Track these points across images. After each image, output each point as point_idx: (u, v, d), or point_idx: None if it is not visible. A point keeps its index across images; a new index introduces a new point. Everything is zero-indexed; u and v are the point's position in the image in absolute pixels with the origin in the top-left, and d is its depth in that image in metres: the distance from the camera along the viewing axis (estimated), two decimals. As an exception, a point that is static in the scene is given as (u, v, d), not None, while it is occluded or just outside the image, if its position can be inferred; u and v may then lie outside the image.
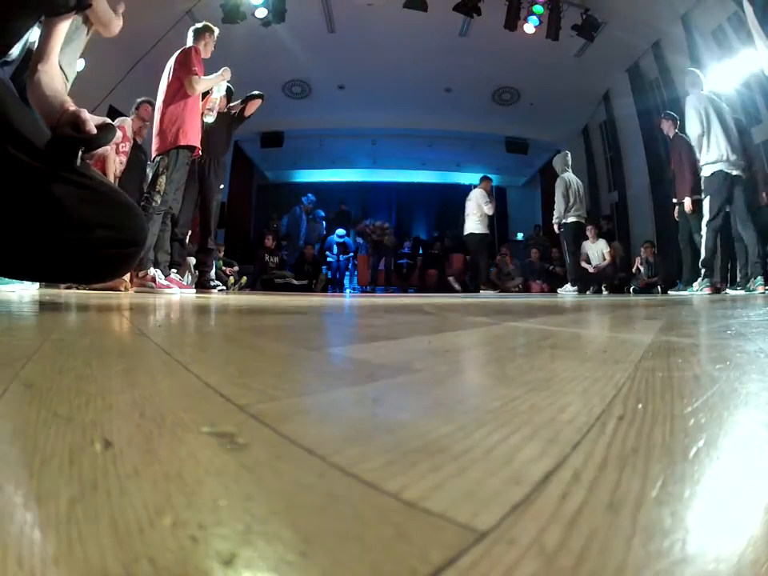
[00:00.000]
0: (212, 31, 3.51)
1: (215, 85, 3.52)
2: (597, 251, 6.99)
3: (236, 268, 6.80)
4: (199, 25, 3.54)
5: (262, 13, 6.48)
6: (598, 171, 9.00)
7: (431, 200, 10.89)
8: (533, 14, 6.82)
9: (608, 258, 6.94)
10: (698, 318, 1.57)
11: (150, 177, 3.37)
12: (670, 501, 0.19)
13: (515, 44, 7.08)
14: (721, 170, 4.16)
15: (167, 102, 3.27)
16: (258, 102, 4.30)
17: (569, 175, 5.86)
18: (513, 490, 0.20)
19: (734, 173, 4.13)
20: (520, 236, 9.89)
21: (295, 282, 7.69)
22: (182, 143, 3.20)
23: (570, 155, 6.02)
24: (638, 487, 0.20)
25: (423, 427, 0.29)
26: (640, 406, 0.34)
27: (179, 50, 3.34)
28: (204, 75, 3.31)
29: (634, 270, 6.96)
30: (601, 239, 7.06)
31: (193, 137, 3.28)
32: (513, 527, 0.17)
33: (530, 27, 6.89)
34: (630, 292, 6.52)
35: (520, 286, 7.67)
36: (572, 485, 0.21)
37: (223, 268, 6.52)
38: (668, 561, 0.15)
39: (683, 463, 0.23)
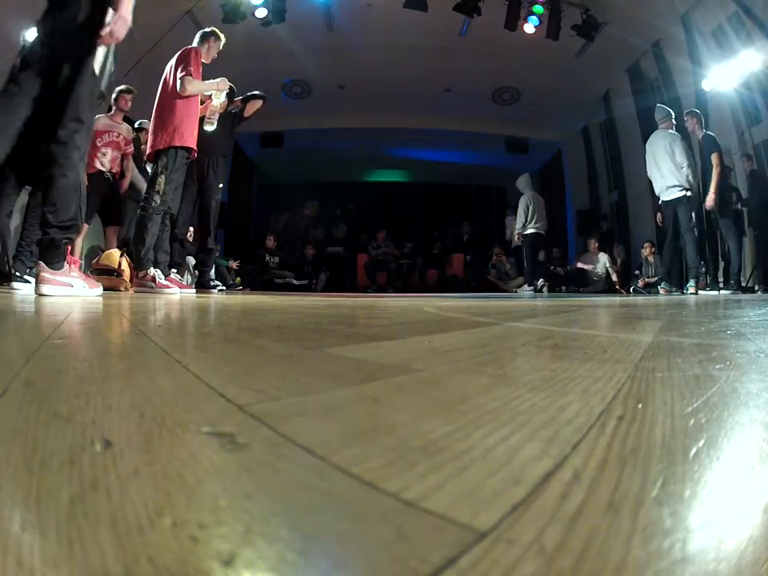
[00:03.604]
0: (218, 37, 3.48)
1: (207, 91, 3.43)
2: (596, 263, 7.25)
3: (237, 261, 6.98)
4: (207, 29, 3.53)
5: (261, 13, 6.47)
6: (598, 171, 8.99)
7: (431, 200, 10.87)
8: (533, 13, 6.80)
9: (612, 272, 7.11)
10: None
11: (149, 176, 3.37)
12: (670, 501, 0.19)
13: (515, 44, 7.07)
14: (681, 190, 4.95)
15: (166, 102, 3.26)
16: (259, 102, 4.24)
17: (531, 193, 6.87)
18: (513, 490, 0.20)
19: (688, 194, 4.96)
20: None
21: (295, 281, 7.70)
22: (177, 144, 3.18)
23: (529, 176, 7.12)
24: (638, 487, 0.20)
25: (423, 427, 0.29)
26: (640, 405, 0.34)
27: (181, 49, 3.33)
28: (200, 80, 3.29)
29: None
30: (603, 253, 7.27)
31: (189, 138, 3.25)
32: (513, 527, 0.17)
33: (530, 27, 6.88)
34: (630, 292, 6.52)
35: (526, 285, 7.65)
36: (572, 485, 0.20)
37: (229, 264, 6.63)
38: (668, 561, 0.15)
39: (683, 463, 0.23)
